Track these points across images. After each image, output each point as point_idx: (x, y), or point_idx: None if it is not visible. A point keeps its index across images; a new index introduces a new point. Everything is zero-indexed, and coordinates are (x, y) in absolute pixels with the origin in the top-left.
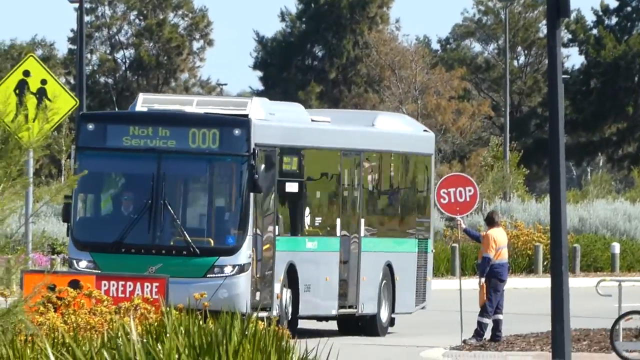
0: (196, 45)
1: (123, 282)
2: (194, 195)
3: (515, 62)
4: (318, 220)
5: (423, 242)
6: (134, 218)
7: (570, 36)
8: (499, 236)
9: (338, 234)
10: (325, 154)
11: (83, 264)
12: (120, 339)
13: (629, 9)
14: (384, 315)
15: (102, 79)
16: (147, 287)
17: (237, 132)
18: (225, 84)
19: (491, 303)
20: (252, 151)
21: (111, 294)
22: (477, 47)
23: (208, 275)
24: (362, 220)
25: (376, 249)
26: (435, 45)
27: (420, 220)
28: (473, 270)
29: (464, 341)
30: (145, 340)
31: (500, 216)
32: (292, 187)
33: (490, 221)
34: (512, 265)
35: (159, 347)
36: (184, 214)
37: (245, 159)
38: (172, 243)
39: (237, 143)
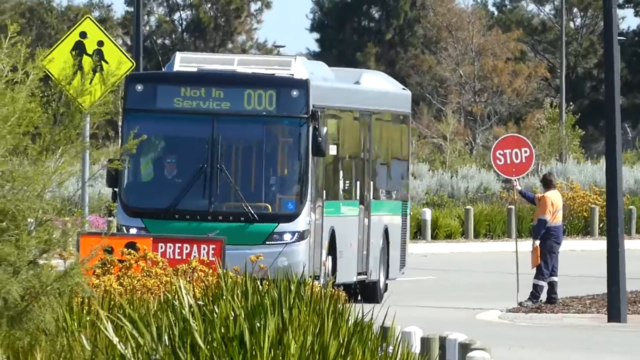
0: (254, 7)
1: (180, 244)
2: (250, 160)
3: (571, 24)
4: (346, 184)
5: (405, 204)
6: (188, 183)
7: None
8: (555, 198)
9: (356, 197)
10: (352, 114)
11: (133, 231)
12: (177, 301)
13: None
14: (382, 281)
15: (159, 41)
16: (204, 249)
17: (295, 93)
18: (283, 46)
19: (547, 265)
20: (311, 113)
21: (167, 256)
22: (533, 9)
23: (267, 243)
24: (371, 183)
25: (378, 212)
26: (492, 7)
27: (403, 182)
28: (529, 233)
29: (520, 304)
30: (201, 303)
31: (556, 178)
32: (332, 150)
33: (547, 183)
34: (567, 227)
35: (216, 309)
36: (241, 179)
37: (304, 121)
38: (229, 209)
39: (295, 104)
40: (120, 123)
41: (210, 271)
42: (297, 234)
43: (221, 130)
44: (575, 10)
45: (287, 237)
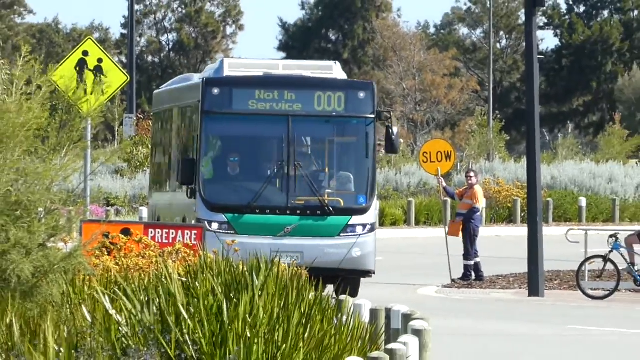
0: (229, 30)
1: (167, 230)
2: (323, 157)
3: (498, 45)
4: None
5: None
6: (266, 180)
7: (546, 20)
8: (481, 190)
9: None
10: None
11: (215, 225)
12: (164, 278)
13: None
14: None
15: (149, 58)
16: (187, 234)
17: (362, 94)
18: None
19: (473, 247)
20: (376, 113)
21: (157, 240)
22: (466, 32)
23: (341, 235)
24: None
25: None
26: (431, 30)
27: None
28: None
29: (453, 280)
30: (184, 279)
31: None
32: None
33: (475, 178)
34: (494, 216)
35: (197, 284)
36: (315, 175)
37: (371, 121)
38: (306, 204)
39: (363, 105)
40: (116, 128)
41: (193, 253)
42: (368, 226)
43: (295, 130)
44: (501, 33)
45: (359, 230)
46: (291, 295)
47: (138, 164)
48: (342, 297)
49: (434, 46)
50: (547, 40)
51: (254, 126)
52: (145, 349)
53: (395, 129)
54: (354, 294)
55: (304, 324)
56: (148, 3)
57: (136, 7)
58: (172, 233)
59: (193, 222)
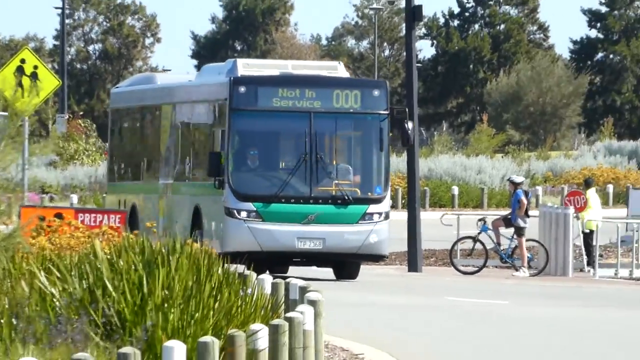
0: (148, 41)
1: (94, 215)
2: (343, 151)
3: (382, 54)
4: None
5: None
6: (291, 171)
7: (425, 32)
8: None
9: None
10: None
11: (244, 214)
12: (92, 255)
13: (467, 14)
14: None
15: (78, 65)
16: (112, 218)
17: (376, 92)
18: (170, 70)
19: None
20: (389, 109)
21: (86, 223)
22: (354, 43)
23: (360, 222)
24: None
25: None
26: (324, 42)
27: None
28: None
29: None
30: (110, 257)
31: None
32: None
33: None
34: None
35: (120, 261)
36: (335, 167)
37: (385, 117)
38: (327, 193)
39: (377, 102)
40: (50, 126)
41: (117, 234)
42: (384, 214)
43: (316, 126)
44: (385, 44)
45: (376, 217)
46: (202, 270)
47: (69, 157)
48: (247, 272)
49: (326, 56)
50: (425, 49)
51: (278, 122)
52: (76, 317)
53: (410, 124)
54: (354, 276)
55: (214, 295)
56: (77, 17)
57: (67, 20)
58: (99, 217)
59: (222, 210)
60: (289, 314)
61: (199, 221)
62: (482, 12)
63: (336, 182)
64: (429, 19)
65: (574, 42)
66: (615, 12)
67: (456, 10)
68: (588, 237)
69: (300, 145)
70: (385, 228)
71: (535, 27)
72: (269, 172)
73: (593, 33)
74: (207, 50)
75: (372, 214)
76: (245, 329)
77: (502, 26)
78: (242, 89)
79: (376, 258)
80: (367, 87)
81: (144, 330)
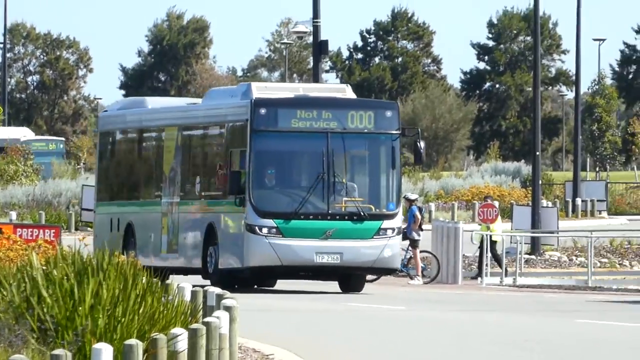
0: (81, 72)
1: (31, 229)
2: (357, 169)
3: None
4: None
5: None
6: (310, 189)
7: (331, 65)
8: None
9: None
10: None
11: (265, 230)
12: (28, 266)
13: (368, 48)
14: None
15: (17, 95)
16: (47, 232)
17: (389, 113)
18: (101, 98)
19: None
20: (401, 129)
21: (24, 237)
22: (266, 74)
23: (375, 237)
24: None
25: None
26: (239, 73)
27: None
28: None
29: None
30: (45, 268)
31: None
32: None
33: None
34: None
35: (55, 272)
36: (351, 185)
37: (397, 136)
38: (344, 210)
39: (390, 123)
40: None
41: (51, 247)
42: (396, 229)
43: (333, 145)
44: (295, 75)
45: (389, 233)
46: (128, 280)
47: (9, 177)
48: (168, 281)
49: None
50: (331, 80)
51: (297, 142)
52: (14, 323)
53: (422, 144)
54: (359, 289)
55: (139, 302)
56: (17, 51)
57: (8, 54)
58: (36, 232)
59: (241, 227)
60: (207, 319)
61: (214, 237)
62: (382, 46)
63: (352, 199)
64: (333, 53)
65: (464, 73)
66: (501, 46)
67: (359, 44)
68: (493, 247)
69: (317, 164)
70: (397, 243)
71: (429, 60)
72: (289, 189)
73: (481, 65)
74: (134, 81)
75: (385, 229)
76: (166, 333)
77: (400, 59)
78: (263, 111)
79: (389, 271)
80: (379, 108)
81: (75, 334)
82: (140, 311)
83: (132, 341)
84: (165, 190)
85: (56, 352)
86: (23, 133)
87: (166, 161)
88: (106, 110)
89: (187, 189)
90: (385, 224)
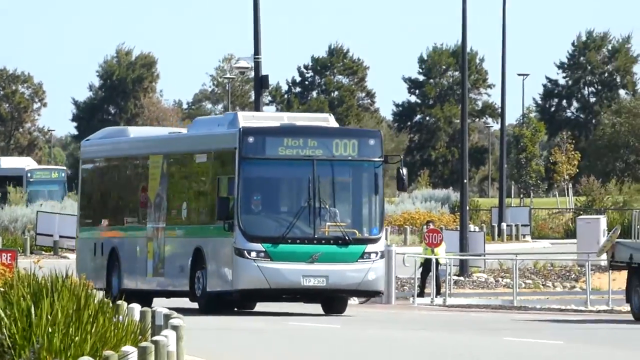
0: (36, 105)
1: None
2: (343, 195)
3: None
4: None
5: None
6: (297, 215)
7: (270, 99)
8: None
9: None
10: None
11: (254, 254)
12: None
13: (306, 82)
14: None
15: None
16: (4, 256)
17: (372, 142)
18: (54, 130)
19: None
20: (384, 157)
21: None
22: (210, 107)
23: (359, 261)
24: None
25: None
26: (185, 106)
27: None
28: None
29: None
30: (2, 289)
31: None
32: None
33: None
34: None
35: (12, 293)
36: (336, 210)
37: (379, 164)
38: (329, 234)
39: (373, 151)
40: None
41: (8, 270)
42: (379, 253)
43: (319, 172)
44: (237, 108)
45: (373, 256)
46: (81, 300)
47: None
48: (119, 302)
49: (187, 118)
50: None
51: (284, 169)
52: None
53: (404, 170)
54: (342, 311)
55: (91, 322)
56: None
57: None
58: None
59: (231, 250)
60: (155, 338)
61: (202, 261)
62: (320, 80)
63: (337, 223)
64: (272, 87)
65: (396, 106)
66: (431, 80)
67: (298, 79)
68: (437, 268)
69: (304, 190)
70: (381, 266)
71: (364, 94)
72: (276, 215)
73: (412, 98)
74: (85, 114)
75: (369, 253)
76: (117, 351)
77: (336, 93)
78: (251, 139)
79: (373, 294)
80: (363, 137)
81: (31, 352)
82: (93, 330)
83: (85, 358)
84: (150, 215)
85: None
86: (27, 163)
87: (151, 188)
88: (89, 139)
89: (173, 214)
90: (369, 247)
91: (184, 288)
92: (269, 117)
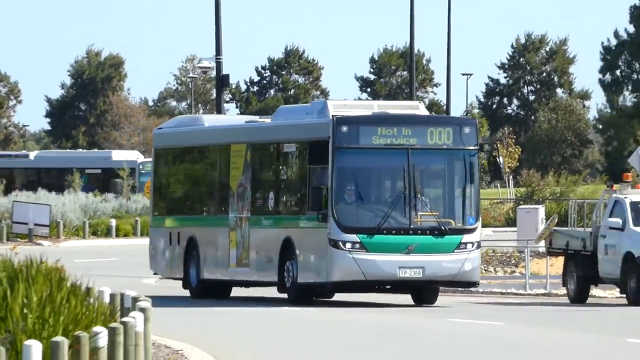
0: (11, 102)
1: None
2: (438, 184)
3: (198, 113)
4: None
5: None
6: (392, 205)
7: (231, 96)
8: None
9: None
10: None
11: (349, 245)
12: None
13: (264, 81)
14: None
15: None
16: None
17: (467, 130)
18: (28, 125)
19: None
20: (479, 145)
21: None
22: (175, 104)
23: (455, 251)
24: None
25: None
26: (151, 103)
27: None
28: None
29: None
30: None
31: None
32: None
33: None
34: None
35: None
36: (432, 200)
37: (475, 152)
38: (426, 225)
39: (469, 139)
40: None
41: None
42: (476, 243)
43: (415, 161)
44: (200, 105)
45: (469, 247)
46: (54, 284)
47: None
48: (90, 285)
49: (153, 114)
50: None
51: (378, 158)
52: None
53: (501, 159)
54: (433, 301)
55: (64, 304)
56: None
57: None
58: None
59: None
60: (124, 319)
61: (292, 252)
62: (277, 79)
63: (433, 213)
64: (233, 86)
65: None
66: (382, 79)
67: (256, 78)
68: None
69: (398, 179)
70: (477, 256)
71: (318, 92)
72: (371, 205)
73: (364, 96)
74: (58, 110)
75: (466, 243)
76: (88, 331)
77: (292, 91)
78: (345, 128)
79: (470, 284)
80: (459, 125)
81: (7, 332)
82: (66, 312)
83: (59, 338)
84: (232, 205)
85: None
86: (136, 156)
87: (233, 177)
88: (161, 128)
89: (258, 204)
90: (466, 238)
91: (272, 279)
92: (359, 105)
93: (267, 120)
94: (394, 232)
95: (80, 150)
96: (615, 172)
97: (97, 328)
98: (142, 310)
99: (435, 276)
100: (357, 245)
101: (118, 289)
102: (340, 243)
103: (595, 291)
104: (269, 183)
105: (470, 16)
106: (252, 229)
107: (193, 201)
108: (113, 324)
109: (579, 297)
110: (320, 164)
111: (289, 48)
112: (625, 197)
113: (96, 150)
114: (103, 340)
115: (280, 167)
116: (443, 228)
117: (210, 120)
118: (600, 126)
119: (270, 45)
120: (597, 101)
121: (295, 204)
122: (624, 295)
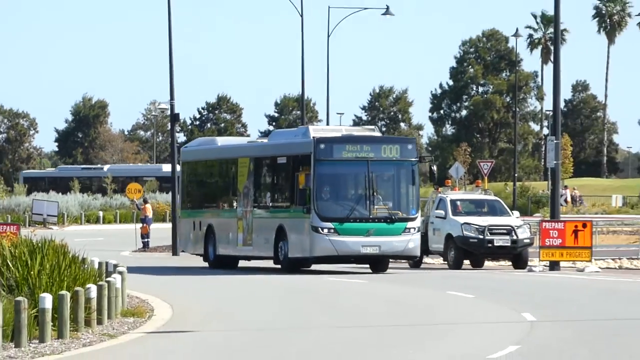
0: (31, 132)
1: (2, 226)
2: (389, 186)
3: (157, 140)
4: None
5: None
6: (357, 201)
7: (180, 127)
8: (150, 207)
9: None
10: None
11: (326, 230)
12: (1, 247)
13: (203, 118)
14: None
15: None
16: (12, 228)
17: (409, 146)
18: (43, 147)
19: (148, 233)
20: (418, 157)
21: None
22: (143, 133)
23: (402, 234)
24: None
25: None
26: (126, 132)
27: None
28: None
29: (139, 249)
30: (11, 248)
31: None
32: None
33: (146, 200)
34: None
35: (16, 251)
36: (385, 197)
37: (415, 163)
38: (381, 215)
39: (411, 153)
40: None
41: (15, 236)
42: (417, 228)
43: (372, 169)
44: (159, 133)
45: (412, 231)
46: (60, 256)
47: None
48: (85, 256)
49: (127, 140)
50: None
51: (347, 167)
52: None
53: (434, 167)
54: (385, 270)
55: (67, 269)
56: None
57: None
58: (4, 227)
59: (308, 229)
60: (108, 279)
61: (283, 235)
62: (212, 116)
63: (386, 207)
64: (182, 121)
65: (261, 133)
66: (283, 116)
67: (197, 115)
68: None
69: (361, 182)
70: (418, 237)
71: (240, 125)
72: (342, 201)
73: (271, 128)
74: (63, 137)
75: (409, 228)
76: (84, 287)
77: (223, 125)
78: (322, 146)
79: (412, 258)
80: (403, 143)
81: (28, 288)
82: (68, 274)
83: (63, 292)
84: (240, 201)
85: (18, 298)
86: (165, 167)
87: (240, 181)
88: (187, 146)
89: (259, 201)
90: (409, 224)
91: (269, 254)
92: (331, 129)
93: (265, 140)
94: (358, 220)
95: (140, 164)
96: (440, 180)
97: (90, 285)
98: (120, 273)
99: (388, 252)
100: (332, 230)
101: (104, 259)
102: (320, 229)
103: (426, 259)
104: (266, 185)
105: (343, 71)
106: (254, 219)
107: (210, 199)
108: (101, 282)
109: (416, 264)
110: (305, 171)
111: (220, 95)
112: (447, 196)
113: (148, 163)
114: (94, 293)
115: (275, 174)
116: (393, 217)
117: (222, 140)
118: (430, 148)
119: (207, 92)
120: (428, 131)
121: (286, 200)
122: (446, 263)
